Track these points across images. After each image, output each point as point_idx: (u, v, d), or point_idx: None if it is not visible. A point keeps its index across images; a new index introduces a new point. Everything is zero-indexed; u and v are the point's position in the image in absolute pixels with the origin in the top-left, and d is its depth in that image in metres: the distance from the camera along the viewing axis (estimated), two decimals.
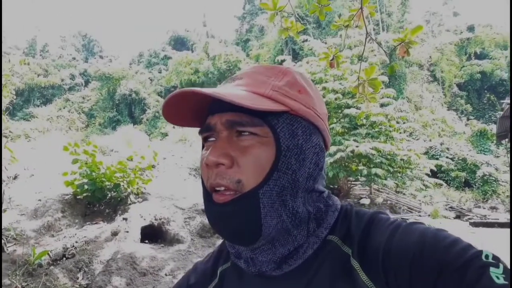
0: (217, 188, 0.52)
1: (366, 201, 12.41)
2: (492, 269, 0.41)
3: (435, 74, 30.84)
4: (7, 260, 4.21)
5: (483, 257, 0.42)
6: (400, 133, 12.78)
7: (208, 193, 0.54)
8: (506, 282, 0.39)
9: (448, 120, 25.21)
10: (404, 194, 14.46)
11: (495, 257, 0.43)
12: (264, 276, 0.56)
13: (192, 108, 0.56)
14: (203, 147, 0.58)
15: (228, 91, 0.51)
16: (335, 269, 0.52)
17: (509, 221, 10.58)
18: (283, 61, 18.21)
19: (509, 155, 16.77)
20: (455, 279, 0.41)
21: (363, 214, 0.58)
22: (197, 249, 5.27)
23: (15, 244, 4.53)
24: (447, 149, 19.74)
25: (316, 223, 0.56)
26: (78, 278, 4.24)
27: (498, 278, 0.40)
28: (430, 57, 30.79)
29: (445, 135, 23.30)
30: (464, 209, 13.71)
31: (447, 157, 19.00)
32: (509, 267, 0.42)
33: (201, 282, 0.67)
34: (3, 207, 4.74)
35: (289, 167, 0.52)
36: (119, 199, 5.94)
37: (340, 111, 12.43)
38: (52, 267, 4.33)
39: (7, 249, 4.35)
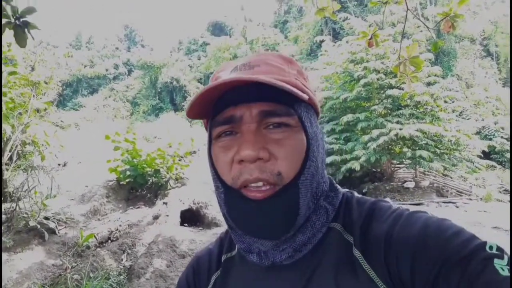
0: (253, 184, 0.48)
1: (410, 184, 11.89)
2: (496, 260, 0.40)
3: (488, 48, 28.51)
4: (58, 242, 4.51)
5: (487, 248, 0.42)
6: (448, 113, 12.09)
7: (234, 190, 0.50)
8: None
9: (503, 97, 23.38)
10: (451, 177, 13.69)
11: (499, 248, 0.42)
12: (274, 265, 0.55)
13: (203, 99, 0.51)
14: (210, 142, 0.55)
15: (263, 78, 0.47)
16: (339, 258, 0.51)
17: None
18: (322, 41, 17.67)
19: None
20: (458, 270, 0.40)
21: (364, 201, 0.57)
22: None
23: (65, 227, 4.84)
24: (502, 128, 18.40)
25: (332, 209, 0.56)
26: (122, 260, 4.46)
27: (502, 269, 0.39)
28: (483, 30, 28.38)
29: (499, 113, 21.68)
30: None
31: (501, 137, 17.77)
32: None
33: (205, 272, 0.66)
34: (53, 193, 5.05)
35: (314, 154, 0.52)
36: (159, 184, 6.14)
37: (382, 91, 12.00)
38: (98, 249, 4.59)
39: (58, 232, 4.66)
